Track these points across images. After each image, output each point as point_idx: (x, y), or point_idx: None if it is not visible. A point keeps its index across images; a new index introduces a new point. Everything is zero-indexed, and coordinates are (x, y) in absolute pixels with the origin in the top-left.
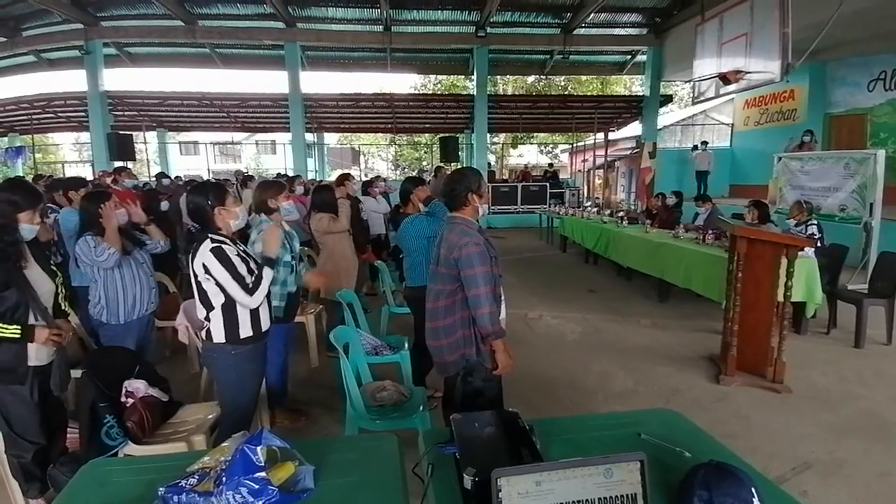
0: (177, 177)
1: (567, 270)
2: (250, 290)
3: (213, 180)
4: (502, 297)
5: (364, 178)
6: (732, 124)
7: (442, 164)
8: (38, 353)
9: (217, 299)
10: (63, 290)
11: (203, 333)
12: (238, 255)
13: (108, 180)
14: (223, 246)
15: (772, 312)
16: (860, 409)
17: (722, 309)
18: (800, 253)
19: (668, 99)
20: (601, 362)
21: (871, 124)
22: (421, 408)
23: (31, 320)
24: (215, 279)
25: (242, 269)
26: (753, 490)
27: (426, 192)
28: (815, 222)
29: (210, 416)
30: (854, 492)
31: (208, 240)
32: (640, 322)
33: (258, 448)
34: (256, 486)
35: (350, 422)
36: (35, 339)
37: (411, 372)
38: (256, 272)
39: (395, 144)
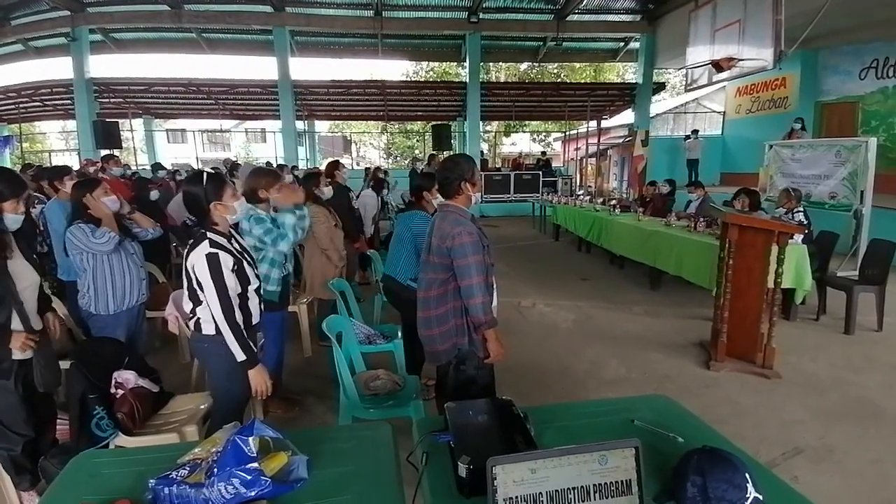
0: (173, 171)
1: (560, 259)
2: (228, 312)
3: (212, 170)
4: (494, 286)
5: (356, 167)
6: (724, 112)
7: (435, 153)
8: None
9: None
10: (48, 281)
11: (192, 324)
12: (234, 258)
13: (93, 169)
14: (220, 253)
15: (762, 299)
16: (850, 395)
17: (712, 296)
18: (790, 240)
19: (660, 87)
20: (593, 349)
21: (862, 112)
22: (415, 396)
23: (13, 315)
24: (200, 286)
25: (232, 282)
26: (747, 475)
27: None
28: (802, 210)
29: (202, 407)
30: (847, 478)
31: (207, 241)
32: (632, 309)
33: (250, 439)
34: (249, 477)
35: (344, 411)
36: (10, 342)
37: (405, 361)
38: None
39: (387, 132)
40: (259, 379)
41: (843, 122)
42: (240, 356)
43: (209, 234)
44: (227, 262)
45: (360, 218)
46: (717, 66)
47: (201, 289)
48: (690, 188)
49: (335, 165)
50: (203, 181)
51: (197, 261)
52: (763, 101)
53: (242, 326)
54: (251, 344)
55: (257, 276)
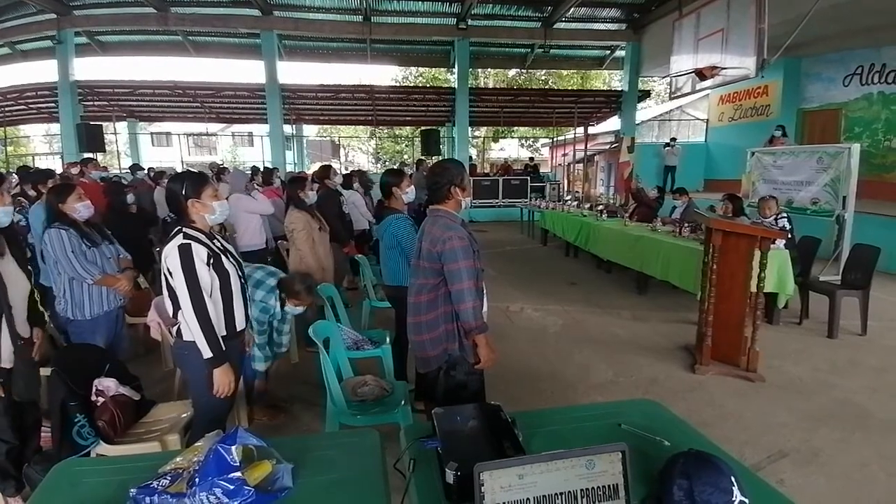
0: (150, 168)
1: (548, 263)
2: (198, 304)
3: (196, 171)
4: (484, 291)
5: (345, 171)
6: (707, 120)
7: (423, 157)
8: (8, 355)
9: None
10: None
11: (174, 330)
12: (209, 251)
13: (75, 171)
14: (193, 244)
15: (745, 303)
16: (834, 399)
17: (697, 300)
18: (772, 245)
19: (645, 94)
20: (582, 354)
21: (845, 119)
22: (403, 402)
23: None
24: (172, 278)
25: (206, 276)
26: (733, 479)
27: (409, 184)
28: (786, 215)
29: (184, 416)
30: (833, 481)
31: (181, 234)
32: (620, 314)
33: (233, 447)
34: (231, 487)
35: (330, 418)
36: None
37: (392, 366)
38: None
39: (376, 137)
40: (223, 380)
41: (826, 129)
42: (206, 353)
43: (185, 229)
44: (200, 253)
45: (350, 222)
46: (701, 74)
47: (174, 279)
48: (675, 195)
49: (327, 171)
50: (183, 179)
51: (170, 252)
52: (746, 109)
53: (216, 325)
54: (220, 342)
55: (242, 279)
